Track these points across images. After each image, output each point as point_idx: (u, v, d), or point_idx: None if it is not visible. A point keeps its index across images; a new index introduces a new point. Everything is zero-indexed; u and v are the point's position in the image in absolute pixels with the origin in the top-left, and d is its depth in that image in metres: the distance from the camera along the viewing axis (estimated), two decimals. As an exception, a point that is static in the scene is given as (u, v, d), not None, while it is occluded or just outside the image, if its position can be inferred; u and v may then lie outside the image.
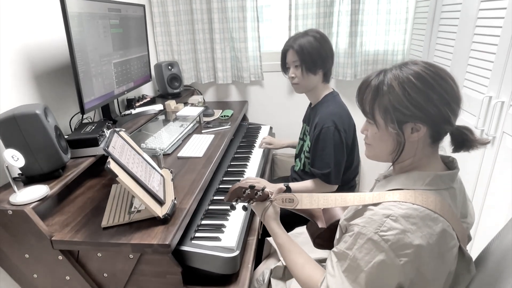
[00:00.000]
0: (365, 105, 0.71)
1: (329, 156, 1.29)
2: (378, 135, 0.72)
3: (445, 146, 0.73)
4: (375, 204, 0.67)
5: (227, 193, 0.87)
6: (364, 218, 0.66)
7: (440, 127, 0.67)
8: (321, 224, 0.89)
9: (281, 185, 1.35)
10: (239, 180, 1.39)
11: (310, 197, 0.81)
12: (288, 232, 1.24)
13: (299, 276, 0.79)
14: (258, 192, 0.85)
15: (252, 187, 0.85)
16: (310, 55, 1.29)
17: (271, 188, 1.33)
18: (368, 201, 0.69)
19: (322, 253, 1.01)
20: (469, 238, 0.76)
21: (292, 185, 1.37)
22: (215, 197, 1.27)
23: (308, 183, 1.38)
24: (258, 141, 1.82)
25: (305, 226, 0.99)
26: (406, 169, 0.73)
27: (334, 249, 0.73)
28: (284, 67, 1.40)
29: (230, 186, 1.36)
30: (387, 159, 0.74)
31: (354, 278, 0.66)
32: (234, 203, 0.88)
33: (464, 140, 0.69)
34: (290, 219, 1.13)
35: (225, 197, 0.87)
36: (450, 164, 0.74)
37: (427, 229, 0.62)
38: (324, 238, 0.89)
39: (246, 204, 0.88)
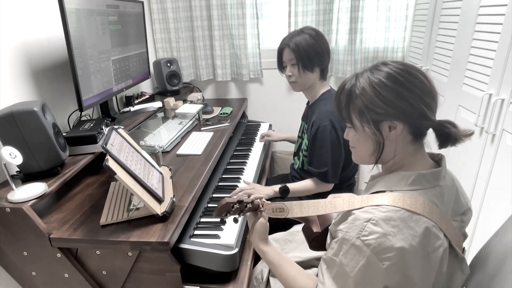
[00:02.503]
0: (342, 110, 0.74)
1: (327, 155, 1.29)
2: (357, 137, 0.74)
3: (430, 144, 0.73)
4: (358, 208, 0.67)
5: (216, 209, 0.84)
6: (347, 223, 0.67)
7: (418, 122, 0.68)
8: (315, 228, 0.89)
9: (277, 187, 1.34)
10: (239, 178, 1.40)
11: (300, 205, 0.81)
12: (286, 230, 1.25)
13: None
14: (248, 205, 0.83)
15: (240, 201, 0.83)
16: (306, 53, 1.28)
17: (266, 190, 1.33)
18: (357, 205, 0.68)
19: (319, 252, 1.01)
20: (464, 236, 0.75)
21: (291, 185, 1.36)
22: (214, 195, 1.27)
23: (306, 183, 1.38)
24: (258, 139, 1.83)
25: (302, 225, 0.99)
26: (392, 169, 0.73)
27: (323, 256, 0.73)
28: (281, 66, 1.40)
29: (229, 184, 1.38)
30: (370, 161, 0.76)
31: (343, 284, 0.66)
32: (224, 218, 0.86)
33: (448, 134, 0.69)
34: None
35: (214, 212, 0.85)
36: (439, 162, 0.73)
37: (409, 230, 0.61)
38: (319, 241, 0.89)
39: (236, 216, 0.86)
